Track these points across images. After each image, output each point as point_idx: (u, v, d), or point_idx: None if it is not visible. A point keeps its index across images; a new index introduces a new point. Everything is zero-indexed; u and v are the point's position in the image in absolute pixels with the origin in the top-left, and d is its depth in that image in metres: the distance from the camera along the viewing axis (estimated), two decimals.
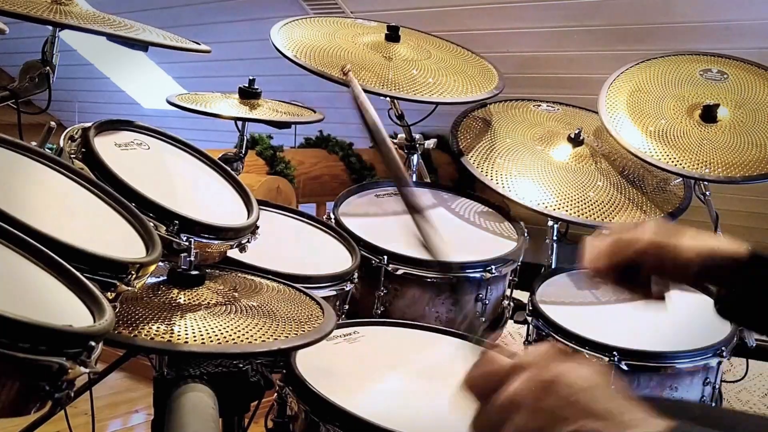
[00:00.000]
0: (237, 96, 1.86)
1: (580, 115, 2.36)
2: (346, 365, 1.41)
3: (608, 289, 1.10)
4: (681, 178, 2.07)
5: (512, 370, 0.71)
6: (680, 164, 1.94)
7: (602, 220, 1.98)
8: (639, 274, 1.04)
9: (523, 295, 1.90)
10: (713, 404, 1.69)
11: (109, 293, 0.94)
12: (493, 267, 1.80)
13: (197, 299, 1.25)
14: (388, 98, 2.15)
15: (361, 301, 1.80)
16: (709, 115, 2.02)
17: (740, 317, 1.14)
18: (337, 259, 1.72)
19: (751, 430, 1.06)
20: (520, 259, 1.93)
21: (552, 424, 0.67)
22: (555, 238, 2.15)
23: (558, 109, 2.36)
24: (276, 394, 1.34)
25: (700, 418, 0.86)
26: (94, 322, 0.83)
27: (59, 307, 0.85)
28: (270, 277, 1.46)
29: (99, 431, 2.79)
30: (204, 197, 1.47)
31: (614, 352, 1.59)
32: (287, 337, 1.19)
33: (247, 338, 1.15)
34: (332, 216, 1.91)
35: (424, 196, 2.14)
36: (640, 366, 1.61)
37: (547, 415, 0.68)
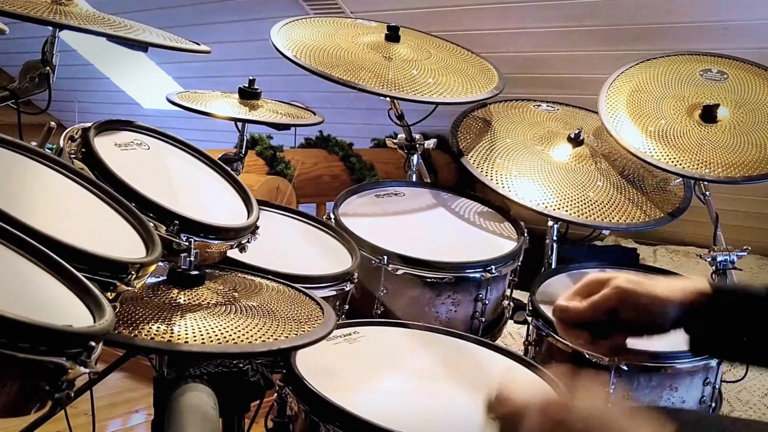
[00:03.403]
0: (237, 96, 1.86)
1: (580, 115, 2.36)
2: (346, 365, 1.41)
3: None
4: (681, 178, 2.07)
5: (526, 409, 0.82)
6: (680, 164, 1.94)
7: (602, 220, 1.97)
8: (614, 328, 1.02)
9: (523, 295, 1.90)
10: (713, 404, 1.68)
11: (109, 293, 0.94)
12: (493, 267, 1.80)
13: (197, 299, 1.25)
14: (388, 98, 2.15)
15: (361, 301, 1.80)
16: (709, 115, 2.02)
17: (715, 351, 1.14)
18: (337, 259, 1.72)
19: None
20: (520, 259, 1.93)
21: None
22: (555, 238, 2.15)
23: (558, 109, 2.36)
24: (276, 394, 1.34)
25: (693, 424, 0.88)
26: (94, 322, 0.83)
27: (59, 307, 0.85)
28: (270, 277, 1.46)
29: (99, 431, 2.79)
30: (204, 197, 1.47)
31: None
32: (287, 337, 1.19)
33: (247, 338, 1.15)
34: (332, 216, 1.90)
35: (424, 197, 2.14)
36: (640, 366, 1.60)
37: None
